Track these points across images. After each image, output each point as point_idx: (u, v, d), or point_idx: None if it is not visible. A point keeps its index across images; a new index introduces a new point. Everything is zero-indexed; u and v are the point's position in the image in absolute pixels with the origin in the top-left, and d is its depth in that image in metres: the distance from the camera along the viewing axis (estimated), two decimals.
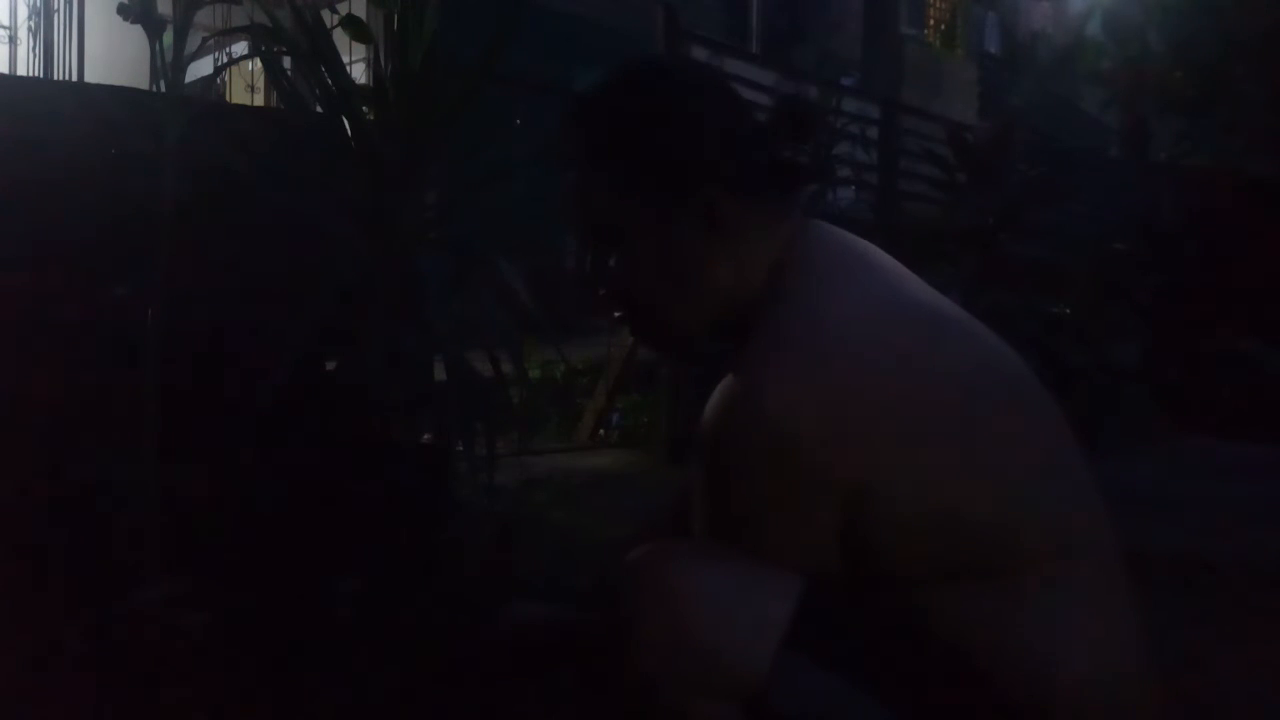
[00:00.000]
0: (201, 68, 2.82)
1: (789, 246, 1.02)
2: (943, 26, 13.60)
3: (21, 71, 5.41)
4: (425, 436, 1.80)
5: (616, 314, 1.08)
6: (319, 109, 1.78)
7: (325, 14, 1.81)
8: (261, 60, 1.88)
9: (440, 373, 1.70)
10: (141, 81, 1.84)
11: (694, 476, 0.99)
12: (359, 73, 2.42)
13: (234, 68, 3.82)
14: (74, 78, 5.23)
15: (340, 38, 1.79)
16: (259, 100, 5.33)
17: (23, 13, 5.45)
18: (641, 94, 1.05)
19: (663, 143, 1.01)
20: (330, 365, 1.73)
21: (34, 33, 5.38)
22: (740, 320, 1.01)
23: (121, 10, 1.55)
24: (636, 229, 1.02)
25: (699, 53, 4.46)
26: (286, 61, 1.82)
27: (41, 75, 5.26)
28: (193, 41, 1.63)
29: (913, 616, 0.94)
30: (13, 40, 5.46)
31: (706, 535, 0.98)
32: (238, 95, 5.28)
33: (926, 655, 0.94)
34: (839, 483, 0.91)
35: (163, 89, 1.54)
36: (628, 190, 1.01)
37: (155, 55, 1.53)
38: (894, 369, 0.93)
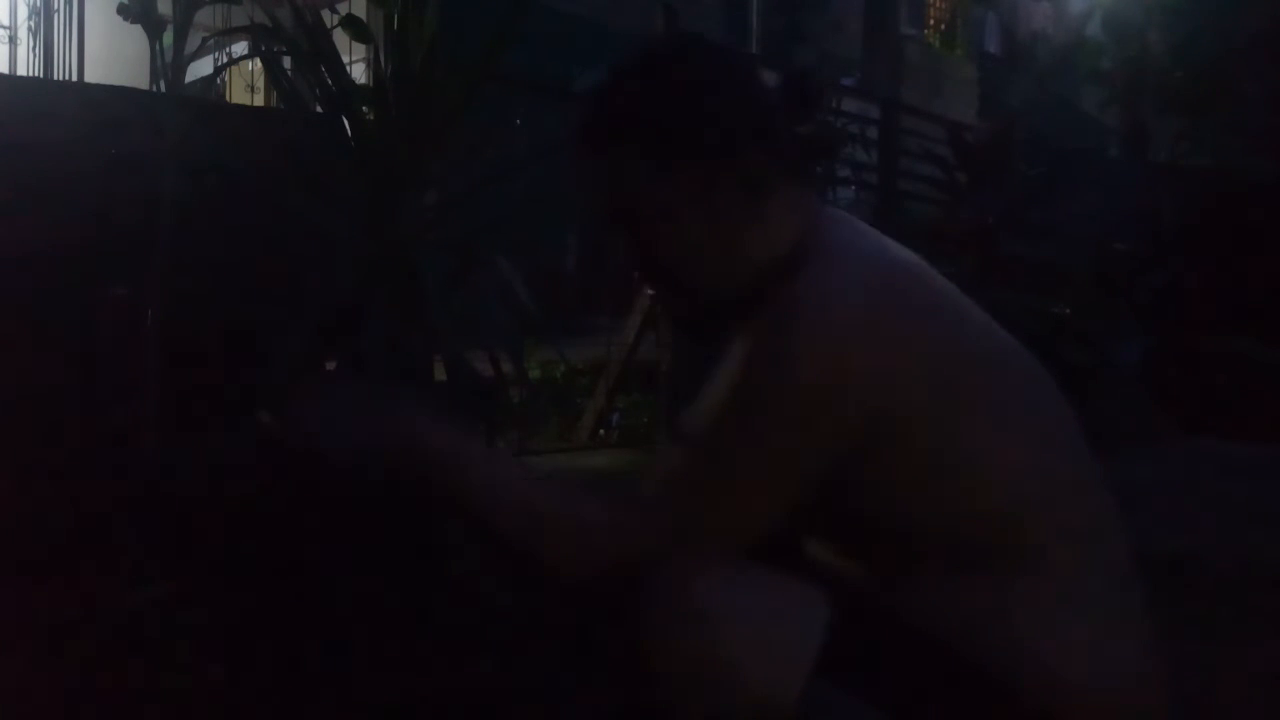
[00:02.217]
0: (201, 68, 2.82)
1: (809, 220, 1.04)
2: (943, 26, 13.60)
3: (21, 71, 5.40)
4: None
5: (648, 290, 1.11)
6: (319, 109, 1.77)
7: (325, 14, 1.81)
8: (261, 60, 1.88)
9: (440, 373, 1.70)
10: (141, 81, 1.84)
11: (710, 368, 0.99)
12: (359, 73, 2.41)
13: (234, 68, 3.82)
14: (74, 78, 5.21)
15: (340, 38, 1.79)
16: (259, 100, 5.31)
17: (23, 13, 5.44)
18: (679, 64, 1.05)
19: (710, 108, 1.02)
20: (330, 365, 1.73)
21: (34, 33, 5.37)
22: (761, 293, 1.01)
23: (121, 10, 1.55)
24: (680, 197, 1.02)
25: None
26: (286, 61, 1.82)
27: (41, 75, 5.25)
28: (193, 41, 1.63)
29: (923, 617, 0.94)
30: (13, 40, 5.45)
31: (700, 432, 0.97)
32: (238, 95, 5.26)
33: (942, 668, 0.93)
34: (865, 403, 0.91)
35: (163, 89, 1.54)
36: (674, 158, 1.01)
37: (155, 55, 1.53)
38: (926, 319, 0.95)
